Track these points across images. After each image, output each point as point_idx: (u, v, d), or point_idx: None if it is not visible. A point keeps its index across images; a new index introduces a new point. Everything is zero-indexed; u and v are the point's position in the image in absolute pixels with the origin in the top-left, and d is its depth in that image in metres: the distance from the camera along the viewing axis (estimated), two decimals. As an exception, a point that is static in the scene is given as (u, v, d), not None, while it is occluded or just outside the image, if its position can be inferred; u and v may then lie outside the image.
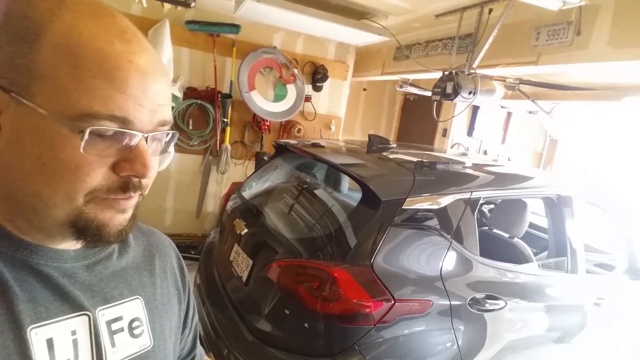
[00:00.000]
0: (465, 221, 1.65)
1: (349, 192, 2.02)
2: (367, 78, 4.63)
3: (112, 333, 0.49)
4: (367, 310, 1.36)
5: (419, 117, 5.11)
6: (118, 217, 0.45)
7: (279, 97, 3.81)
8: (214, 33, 3.48)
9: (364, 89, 5.59)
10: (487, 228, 2.36)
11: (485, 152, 4.59)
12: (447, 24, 2.82)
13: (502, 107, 4.23)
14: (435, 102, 2.86)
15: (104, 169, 0.41)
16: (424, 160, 1.86)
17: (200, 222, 3.93)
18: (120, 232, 0.46)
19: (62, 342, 0.44)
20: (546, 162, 4.75)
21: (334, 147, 2.09)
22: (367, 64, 4.36)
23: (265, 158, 3.26)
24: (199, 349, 0.73)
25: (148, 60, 0.42)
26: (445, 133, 4.51)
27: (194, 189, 3.85)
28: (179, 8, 3.07)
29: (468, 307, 1.56)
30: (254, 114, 3.72)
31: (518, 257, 2.03)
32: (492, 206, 2.88)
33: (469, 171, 1.92)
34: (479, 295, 1.61)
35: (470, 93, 2.35)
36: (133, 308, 0.53)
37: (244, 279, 1.66)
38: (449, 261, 1.57)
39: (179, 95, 3.49)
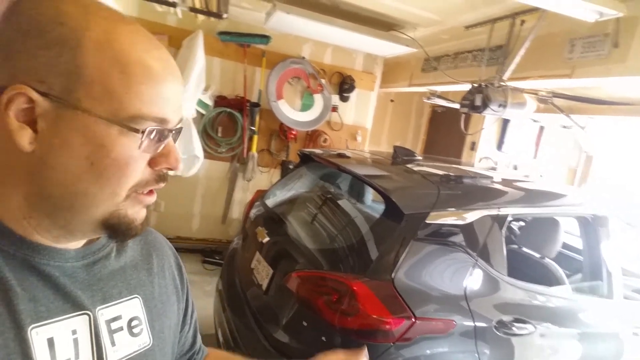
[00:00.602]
0: (492, 238, 1.59)
1: (373, 204, 2.00)
2: (395, 89, 4.60)
3: (111, 332, 0.49)
4: (387, 326, 1.32)
5: (446, 130, 5.02)
6: (142, 213, 0.49)
7: (306, 107, 3.85)
8: (244, 43, 3.57)
9: (391, 100, 5.55)
10: (516, 247, 2.27)
11: (515, 167, 4.44)
12: (477, 35, 2.77)
13: (534, 121, 4.08)
14: (464, 115, 2.80)
15: (143, 165, 0.46)
16: (450, 173, 1.82)
17: (225, 228, 3.98)
18: (142, 226, 0.49)
19: (63, 341, 0.44)
20: (581, 179, 4.53)
21: (359, 158, 2.07)
22: (395, 75, 4.34)
23: (291, 167, 3.28)
24: (199, 346, 0.74)
25: (174, 64, 0.47)
26: (473, 146, 4.39)
27: (220, 195, 3.92)
28: (212, 19, 3.17)
29: (494, 329, 1.50)
30: (281, 123, 3.77)
31: (549, 279, 1.94)
32: (522, 224, 2.77)
33: (497, 186, 1.86)
34: (507, 318, 1.54)
35: (500, 106, 2.29)
36: (132, 307, 0.53)
37: (264, 287, 1.67)
38: (474, 280, 1.51)
39: (210, 103, 3.59)
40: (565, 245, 2.61)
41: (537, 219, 2.06)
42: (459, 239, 1.54)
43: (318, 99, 3.85)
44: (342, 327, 1.33)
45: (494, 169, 2.80)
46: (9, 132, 0.40)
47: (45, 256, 0.45)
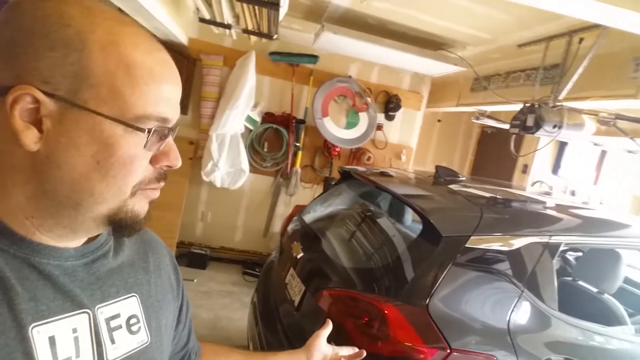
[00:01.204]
0: (542, 268, 1.47)
1: (412, 225, 1.93)
2: (442, 109, 4.50)
3: (111, 330, 0.50)
4: (420, 356, 1.25)
5: (496, 152, 4.80)
6: (146, 207, 0.51)
7: (350, 125, 3.86)
8: (294, 63, 3.68)
9: (439, 120, 5.43)
10: (571, 279, 2.09)
11: (573, 193, 4.13)
12: (530, 54, 2.65)
13: (594, 144, 3.79)
14: (514, 136, 2.66)
15: (146, 163, 0.47)
16: (498, 196, 1.72)
17: (266, 242, 4.05)
18: (145, 220, 0.51)
19: (64, 339, 0.44)
20: (650, 208, 4.11)
21: (400, 177, 2.03)
22: (443, 94, 4.25)
23: (333, 183, 3.29)
24: (193, 343, 0.74)
25: (174, 65, 0.48)
26: (525, 170, 4.15)
27: (263, 209, 4.00)
28: (264, 40, 3.31)
29: (540, 368, 1.37)
30: (325, 140, 3.81)
31: (608, 317, 1.75)
32: (579, 254, 2.55)
33: (550, 212, 1.73)
34: (556, 358, 1.40)
35: (554, 127, 2.15)
36: (130, 305, 0.54)
37: (296, 303, 1.65)
38: (519, 312, 1.40)
39: (258, 119, 3.72)
40: (627, 280, 2.36)
41: (596, 250, 1.88)
42: (503, 266, 1.44)
43: (363, 117, 3.86)
44: (371, 352, 1.28)
45: (548, 194, 2.61)
46: (15, 132, 0.40)
47: (45, 255, 0.46)
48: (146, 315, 0.56)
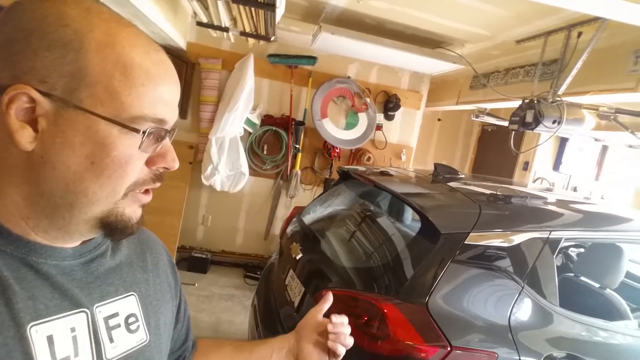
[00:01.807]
0: (542, 264, 1.46)
1: (412, 223, 1.92)
2: (442, 108, 4.49)
3: (109, 329, 0.50)
4: (421, 354, 1.24)
5: (497, 149, 4.78)
6: (138, 212, 0.50)
7: (350, 125, 3.86)
8: (292, 65, 3.69)
9: (439, 119, 5.42)
10: (572, 275, 2.07)
11: (574, 189, 4.10)
12: (529, 50, 2.64)
13: (595, 139, 3.77)
14: (514, 132, 2.65)
15: (141, 164, 0.47)
16: (498, 193, 1.71)
17: (267, 244, 4.04)
18: (138, 225, 0.50)
19: (62, 338, 0.44)
20: (654, 203, 4.08)
21: (399, 176, 2.02)
22: (442, 93, 4.24)
23: (332, 184, 3.28)
24: (191, 341, 0.74)
25: (172, 67, 0.48)
26: (526, 166, 4.13)
27: (264, 212, 4.00)
28: (262, 43, 3.32)
29: (542, 365, 1.35)
30: (325, 141, 3.81)
31: (610, 313, 1.73)
32: (580, 250, 2.53)
33: (550, 207, 1.72)
34: (558, 354, 1.38)
35: (554, 122, 2.14)
36: (128, 304, 0.54)
37: (296, 305, 1.64)
38: (519, 309, 1.38)
39: (257, 122, 3.72)
40: (629, 275, 2.33)
41: (598, 244, 1.87)
42: (504, 263, 1.43)
43: (362, 117, 3.85)
44: (371, 352, 1.27)
45: (549, 190, 2.60)
46: (10, 131, 0.40)
47: (43, 255, 0.46)
48: (145, 314, 0.56)
